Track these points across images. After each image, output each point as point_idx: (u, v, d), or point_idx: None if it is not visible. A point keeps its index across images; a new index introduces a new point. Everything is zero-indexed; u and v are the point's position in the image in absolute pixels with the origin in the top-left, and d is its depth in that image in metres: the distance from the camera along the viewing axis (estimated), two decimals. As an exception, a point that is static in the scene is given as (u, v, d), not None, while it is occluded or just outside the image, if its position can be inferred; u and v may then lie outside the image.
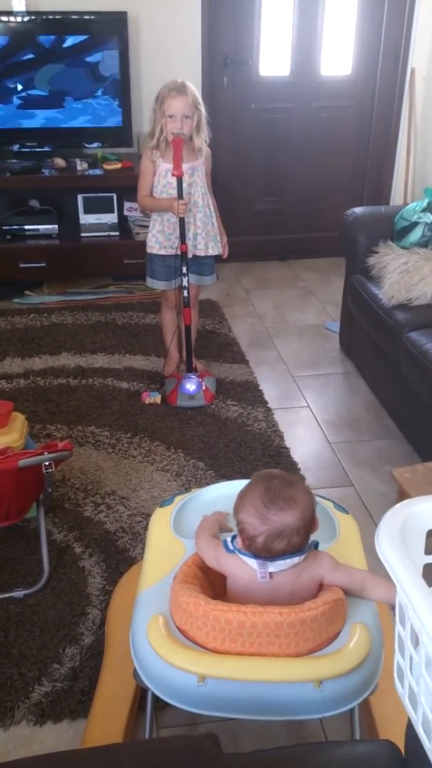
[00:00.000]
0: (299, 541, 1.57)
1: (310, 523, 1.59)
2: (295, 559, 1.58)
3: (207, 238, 3.26)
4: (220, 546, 1.67)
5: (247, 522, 1.56)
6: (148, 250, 3.30)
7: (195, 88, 3.08)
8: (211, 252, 3.29)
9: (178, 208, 3.05)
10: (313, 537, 1.65)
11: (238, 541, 1.61)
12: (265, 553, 1.56)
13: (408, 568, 0.96)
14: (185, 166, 3.07)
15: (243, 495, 1.61)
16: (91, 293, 4.40)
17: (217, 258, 3.38)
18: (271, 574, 1.58)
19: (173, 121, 3.03)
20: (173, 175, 3.03)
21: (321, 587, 1.65)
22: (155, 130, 3.10)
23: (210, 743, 1.28)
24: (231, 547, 1.63)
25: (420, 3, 4.51)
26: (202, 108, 3.09)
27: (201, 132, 3.11)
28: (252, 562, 1.58)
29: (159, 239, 3.26)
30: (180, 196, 3.07)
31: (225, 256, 3.40)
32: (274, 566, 1.58)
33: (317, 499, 1.94)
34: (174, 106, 3.01)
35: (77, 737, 1.93)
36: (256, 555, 1.57)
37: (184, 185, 3.09)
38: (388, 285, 3.24)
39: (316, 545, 1.66)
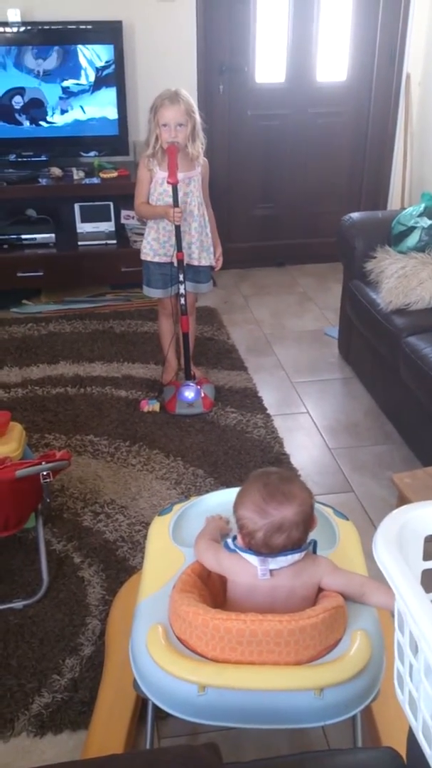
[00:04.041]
0: (298, 536, 1.58)
1: (308, 519, 1.61)
2: (296, 556, 1.59)
3: (201, 249, 3.27)
4: (221, 548, 1.68)
5: (246, 518, 1.58)
6: (143, 257, 3.31)
7: (189, 96, 3.08)
8: (204, 262, 3.30)
9: (174, 216, 3.06)
10: (313, 543, 1.65)
11: (239, 539, 1.62)
12: (265, 548, 1.57)
13: (405, 574, 0.95)
14: (181, 176, 3.08)
15: (242, 492, 1.63)
16: (89, 302, 4.39)
17: (212, 267, 3.38)
18: (271, 571, 1.59)
19: (167, 130, 3.03)
20: (168, 182, 3.04)
21: (320, 592, 1.64)
22: (150, 138, 3.11)
23: (210, 753, 1.27)
24: (232, 546, 1.64)
25: (414, 8, 4.53)
26: (197, 116, 3.09)
27: (196, 140, 3.12)
28: (253, 559, 1.59)
29: (153, 246, 3.26)
30: (175, 203, 3.07)
31: (217, 269, 3.40)
32: (275, 563, 1.58)
33: (317, 505, 1.94)
34: (167, 114, 3.02)
35: (77, 748, 1.92)
36: (256, 552, 1.58)
37: (180, 194, 3.10)
38: (386, 290, 3.24)
39: (314, 544, 1.67)
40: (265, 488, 1.60)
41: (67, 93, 4.22)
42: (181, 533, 1.90)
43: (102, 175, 4.28)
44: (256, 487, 1.61)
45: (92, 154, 4.40)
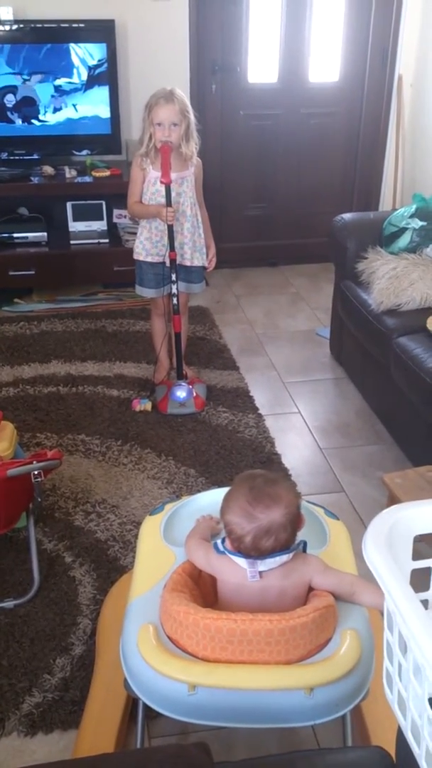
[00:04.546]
0: (286, 538, 1.58)
1: (296, 519, 1.60)
2: (284, 557, 1.59)
3: (193, 249, 3.27)
4: (211, 548, 1.68)
5: (234, 522, 1.58)
6: (135, 257, 3.31)
7: (184, 96, 3.08)
8: (197, 263, 3.30)
9: (167, 216, 3.06)
10: (303, 543, 1.65)
11: (227, 543, 1.62)
12: (254, 552, 1.57)
13: (395, 574, 0.96)
14: (174, 176, 3.08)
15: (228, 497, 1.63)
16: (81, 301, 4.39)
17: (204, 268, 3.38)
18: (260, 573, 1.59)
19: (161, 129, 3.03)
20: (161, 182, 3.04)
21: (310, 592, 1.64)
22: (144, 137, 3.11)
23: (200, 752, 1.28)
24: (221, 549, 1.64)
25: (407, 9, 4.54)
26: (191, 116, 3.09)
27: (190, 140, 3.11)
28: (242, 562, 1.59)
29: (146, 246, 3.26)
30: (168, 203, 3.07)
31: (210, 269, 3.40)
32: (264, 565, 1.58)
33: (308, 505, 1.95)
34: (161, 114, 3.01)
35: (68, 748, 1.92)
36: (245, 555, 1.58)
37: (173, 194, 3.09)
38: (377, 290, 3.25)
39: (304, 545, 1.67)
40: (250, 492, 1.59)
41: (60, 91, 4.22)
42: (173, 533, 1.90)
43: (94, 173, 4.28)
44: (242, 491, 1.60)
45: (84, 152, 4.39)
